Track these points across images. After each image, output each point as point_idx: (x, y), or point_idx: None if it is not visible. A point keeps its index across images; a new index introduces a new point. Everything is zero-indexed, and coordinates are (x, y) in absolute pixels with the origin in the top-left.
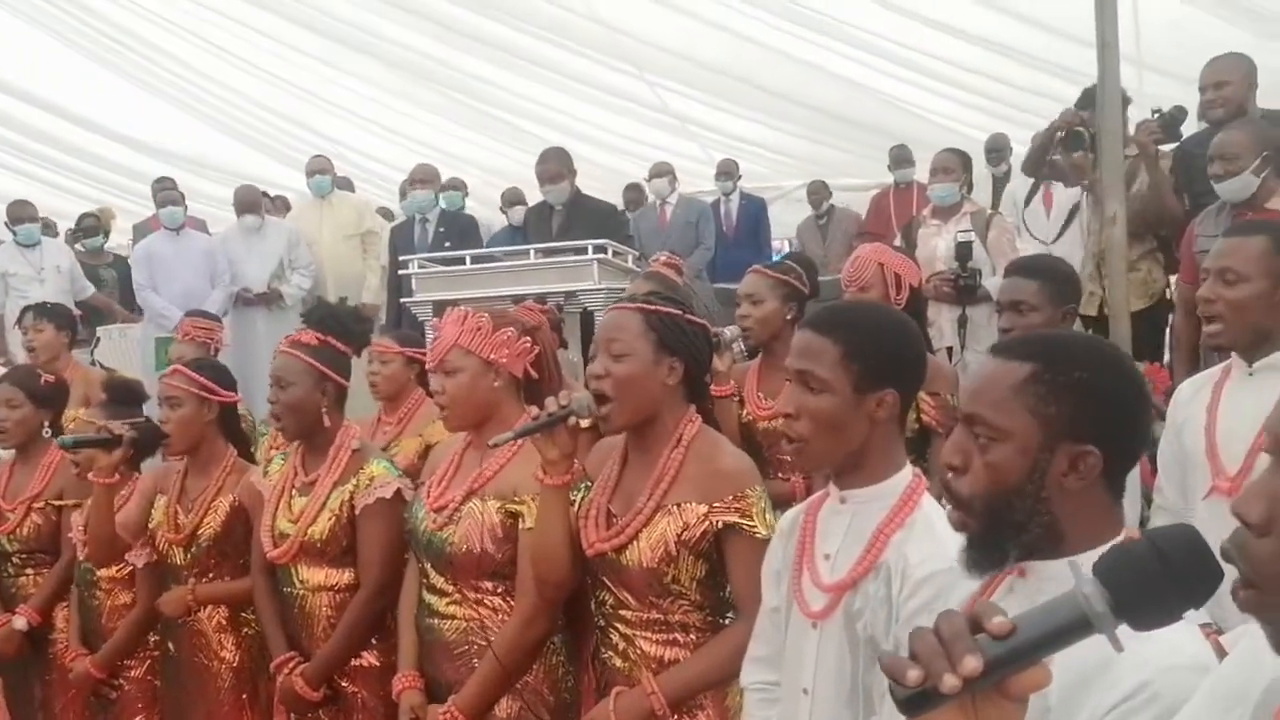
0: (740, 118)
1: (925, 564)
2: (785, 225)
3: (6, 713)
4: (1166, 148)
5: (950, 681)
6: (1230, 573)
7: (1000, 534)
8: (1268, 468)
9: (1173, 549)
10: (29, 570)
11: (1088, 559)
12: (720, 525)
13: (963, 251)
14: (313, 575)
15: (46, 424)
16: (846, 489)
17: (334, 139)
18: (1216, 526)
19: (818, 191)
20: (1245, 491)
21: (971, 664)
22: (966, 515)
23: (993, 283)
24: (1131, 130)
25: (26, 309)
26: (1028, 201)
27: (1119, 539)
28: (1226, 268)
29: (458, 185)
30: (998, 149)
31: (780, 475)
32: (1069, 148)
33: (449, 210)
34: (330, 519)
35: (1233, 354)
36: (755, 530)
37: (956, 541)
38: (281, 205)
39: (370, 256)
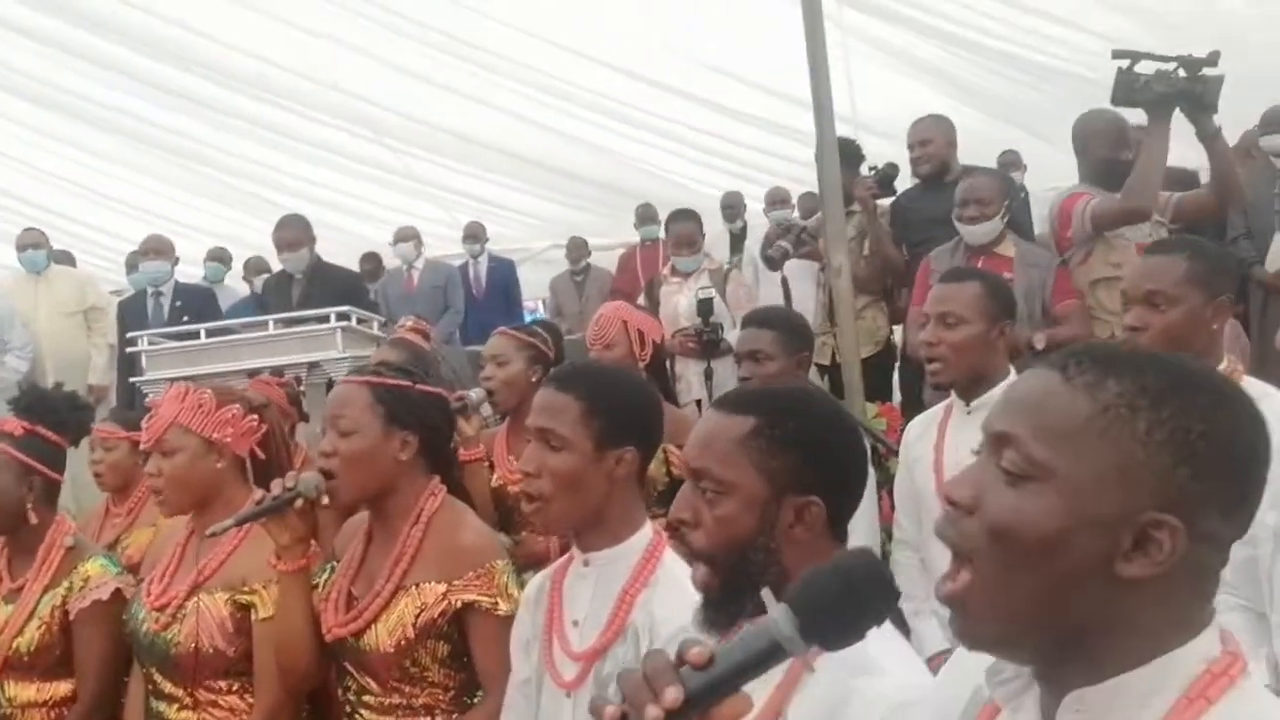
0: (485, 181)
1: (672, 619)
2: (536, 285)
3: None
4: (885, 202)
5: (652, 713)
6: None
7: (737, 588)
8: (978, 460)
9: (853, 570)
10: None
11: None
12: (459, 604)
13: (704, 308)
14: (21, 691)
15: None
16: (589, 550)
17: (51, 210)
18: (948, 557)
19: (577, 248)
20: (956, 477)
21: (672, 694)
22: (706, 572)
23: (734, 335)
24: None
25: None
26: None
27: None
28: (947, 311)
29: (222, 257)
30: (732, 205)
31: (537, 536)
32: (773, 266)
33: (184, 283)
34: (40, 628)
35: (952, 394)
36: (496, 607)
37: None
38: None
39: (95, 334)
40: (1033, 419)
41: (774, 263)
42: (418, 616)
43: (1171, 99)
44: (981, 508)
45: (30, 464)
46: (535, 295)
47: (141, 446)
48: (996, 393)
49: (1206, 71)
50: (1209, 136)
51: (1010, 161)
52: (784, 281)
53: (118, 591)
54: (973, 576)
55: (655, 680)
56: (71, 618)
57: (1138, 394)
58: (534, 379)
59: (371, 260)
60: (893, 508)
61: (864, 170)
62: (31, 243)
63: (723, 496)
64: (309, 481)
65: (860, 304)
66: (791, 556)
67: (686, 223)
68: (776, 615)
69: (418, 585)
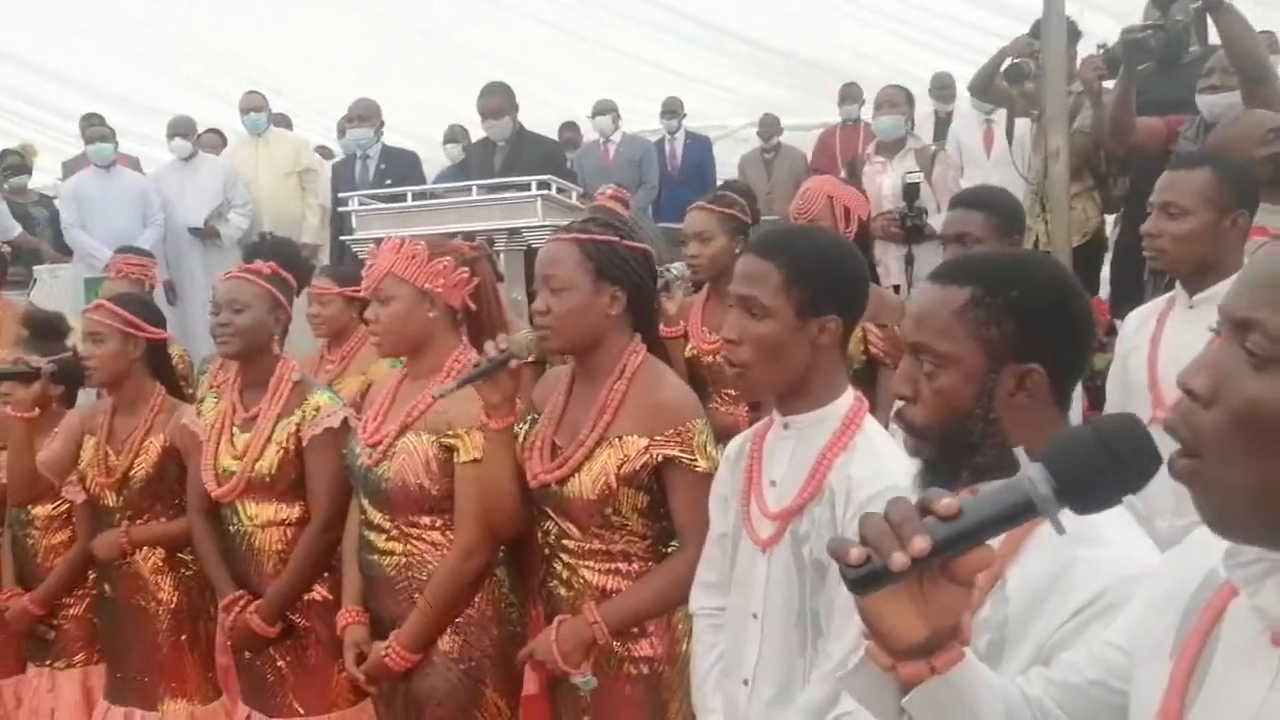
0: (685, 54)
1: (869, 484)
2: (730, 166)
3: None
4: (1110, 84)
5: (899, 559)
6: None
7: (954, 456)
8: (1216, 346)
9: (1114, 435)
10: None
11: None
12: (660, 458)
13: (910, 191)
14: (261, 511)
15: None
16: (789, 415)
17: (272, 74)
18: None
19: (768, 126)
20: (1191, 365)
21: (920, 543)
22: (921, 442)
23: (939, 220)
24: (1078, 66)
25: None
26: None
27: None
28: (1170, 201)
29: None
30: (944, 86)
31: (725, 409)
32: (1011, 79)
33: (390, 147)
34: (278, 452)
35: (1177, 285)
36: (695, 464)
37: (900, 461)
38: (217, 140)
39: (309, 195)
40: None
41: (1017, 75)
42: (620, 467)
43: None
44: (1223, 395)
45: (278, 298)
46: (727, 175)
47: (361, 293)
48: (1222, 288)
49: None
50: None
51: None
52: None
53: (345, 422)
54: (1202, 468)
55: (901, 527)
56: (304, 444)
57: None
58: (736, 250)
59: (570, 129)
60: (1091, 406)
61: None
62: (254, 106)
63: (941, 369)
64: (521, 342)
65: (1072, 191)
66: (1013, 424)
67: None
68: (1032, 474)
69: (620, 438)
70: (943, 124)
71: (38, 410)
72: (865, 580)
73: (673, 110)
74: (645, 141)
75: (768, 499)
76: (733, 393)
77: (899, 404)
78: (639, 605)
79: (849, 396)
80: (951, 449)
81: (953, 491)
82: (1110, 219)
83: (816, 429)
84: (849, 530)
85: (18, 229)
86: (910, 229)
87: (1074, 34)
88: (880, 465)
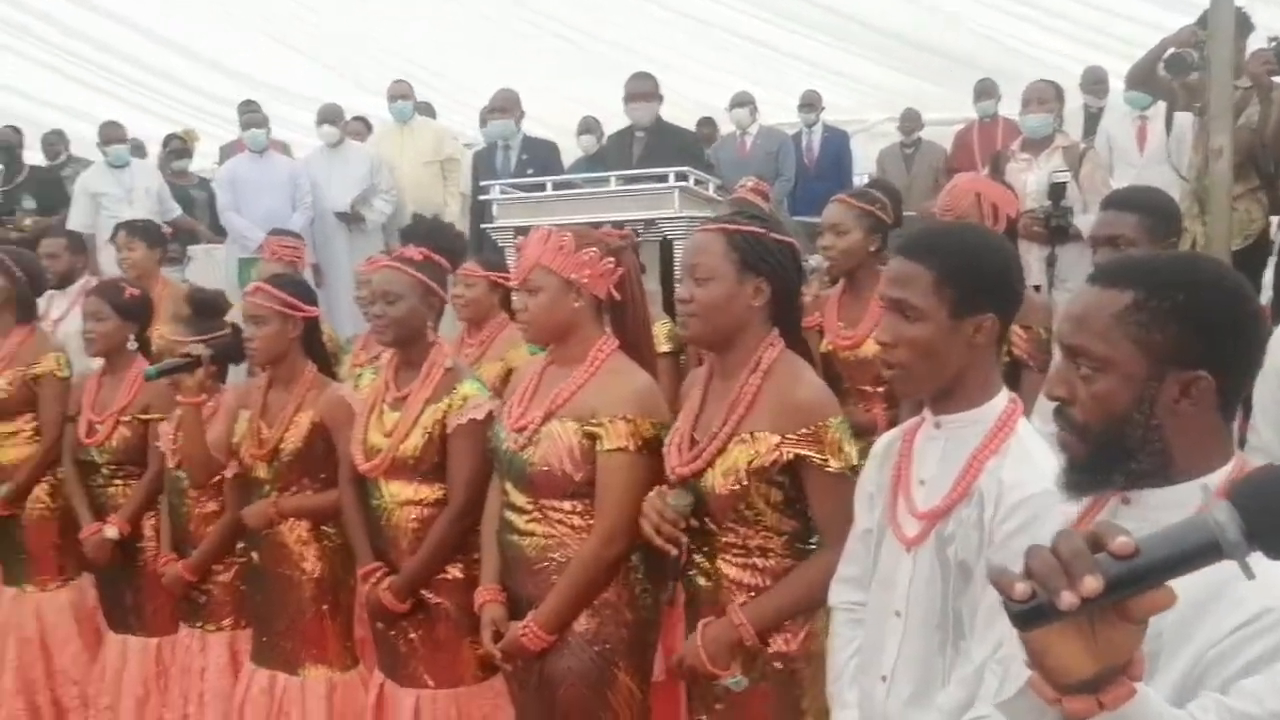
0: (825, 47)
1: (1020, 487)
2: (867, 160)
3: (103, 618)
4: None
5: (1068, 599)
6: None
7: (1109, 459)
8: None
9: None
10: (117, 481)
11: (1199, 485)
12: (791, 456)
13: (1056, 191)
14: (401, 490)
15: (132, 337)
16: (941, 414)
17: (417, 64)
18: None
19: (909, 120)
20: None
21: (1091, 584)
22: (1076, 441)
23: (1085, 220)
24: (1246, 59)
25: (119, 226)
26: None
27: (1230, 464)
28: None
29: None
30: (1097, 81)
31: (862, 405)
32: (1174, 70)
33: (531, 137)
34: (423, 435)
35: None
36: (826, 464)
37: (1052, 466)
38: (362, 128)
39: (450, 183)
40: None
41: (1180, 66)
42: (750, 463)
43: None
44: None
45: (430, 285)
46: (864, 169)
47: (509, 282)
48: None
49: None
50: None
51: None
52: None
53: (490, 413)
54: None
55: (1071, 564)
56: (449, 431)
57: None
58: (872, 248)
59: (707, 124)
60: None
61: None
62: (400, 94)
63: (1099, 373)
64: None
65: (1235, 191)
66: (1175, 431)
67: (1045, 84)
68: (1220, 516)
69: (752, 434)
70: (1093, 120)
71: (204, 396)
72: (1030, 616)
73: (811, 104)
74: (783, 134)
75: (915, 498)
76: (869, 388)
77: (1056, 403)
78: (782, 604)
79: (1003, 398)
80: (1106, 453)
81: (1101, 497)
82: (1276, 221)
83: (968, 430)
84: (997, 534)
85: (177, 210)
86: (1054, 229)
87: (1244, 26)
88: (1033, 470)
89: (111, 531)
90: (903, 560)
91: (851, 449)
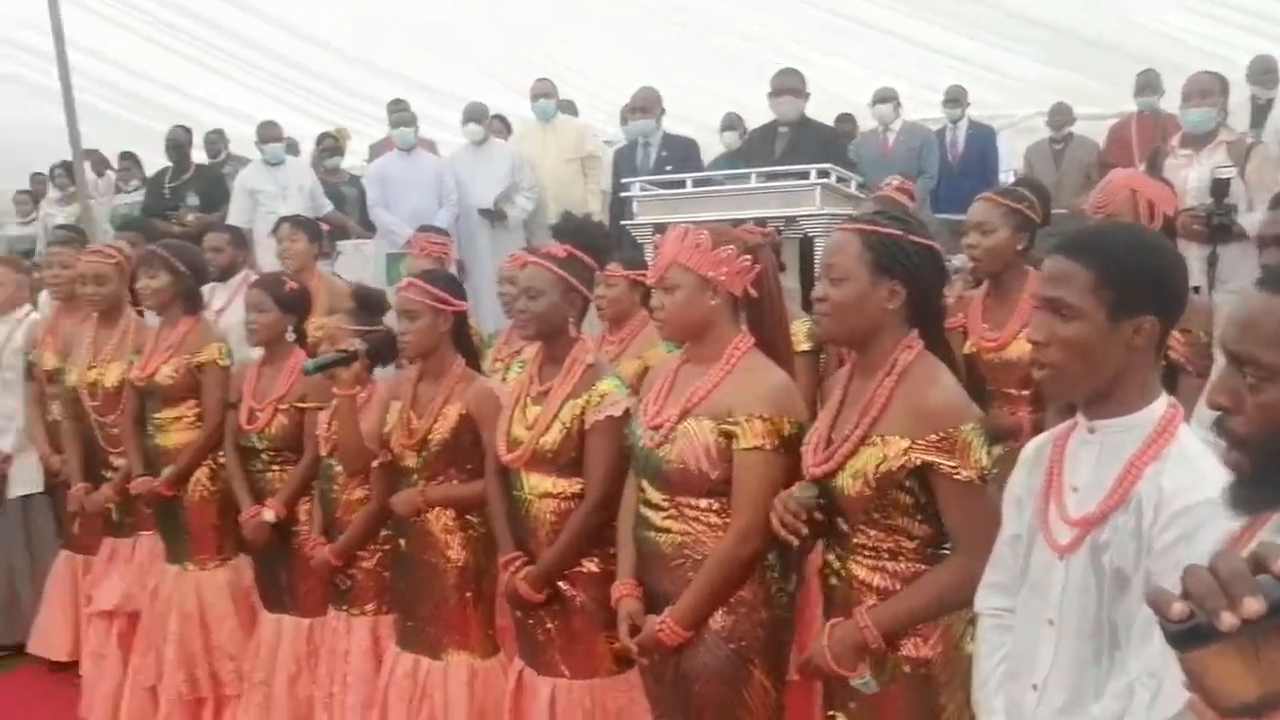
0: (971, 40)
1: (1182, 496)
2: (1014, 156)
3: (258, 597)
4: None
5: (1228, 620)
6: None
7: (1275, 473)
8: None
9: None
10: (275, 466)
11: None
12: (919, 462)
13: (1220, 188)
14: (540, 482)
15: (291, 329)
16: (1096, 419)
17: (561, 63)
18: None
19: (1060, 114)
20: None
21: (1252, 605)
22: (1241, 455)
23: (1251, 218)
24: None
25: (282, 219)
26: None
27: None
28: None
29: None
30: (1266, 70)
31: (1007, 409)
32: None
33: (671, 134)
34: (561, 431)
35: None
36: (956, 472)
37: (1218, 475)
38: (501, 126)
39: (590, 180)
40: None
41: None
42: (878, 467)
43: None
44: None
45: (572, 283)
46: (1010, 166)
47: (648, 282)
48: None
49: None
50: None
51: None
52: None
53: (627, 410)
54: None
55: (1231, 585)
56: (587, 427)
57: None
58: (1019, 247)
59: (846, 121)
60: None
61: None
62: (543, 92)
63: (1268, 382)
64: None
65: None
66: None
67: (1209, 76)
68: None
69: (883, 437)
70: (1260, 112)
71: (358, 388)
72: (1187, 637)
73: (956, 99)
74: (926, 130)
75: (1068, 504)
76: (1014, 391)
77: (1218, 414)
78: (910, 609)
79: (1162, 403)
80: (1273, 466)
81: (1266, 513)
82: None
83: (1125, 435)
84: (1156, 543)
85: (329, 206)
86: (1216, 228)
87: None
88: (1195, 478)
89: (269, 514)
90: (1055, 567)
91: (985, 456)
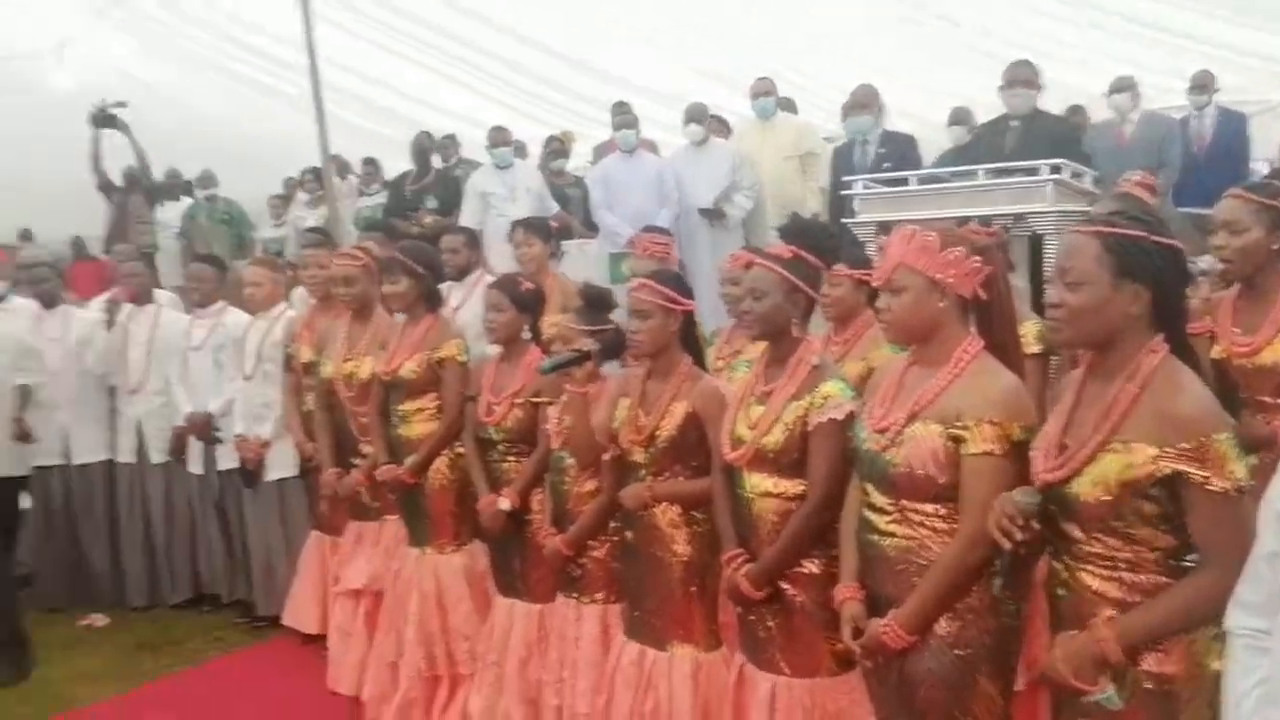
0: (1219, 21)
1: None
2: (1268, 145)
3: (493, 582)
4: None
5: None
6: None
7: None
8: None
9: None
10: (511, 457)
11: None
12: (1169, 471)
13: None
14: (762, 482)
15: (526, 327)
16: None
17: (781, 60)
18: None
19: None
20: None
21: None
22: None
23: None
24: None
25: (517, 224)
26: None
27: None
28: None
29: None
30: None
31: (1262, 417)
32: None
33: (889, 131)
34: (784, 432)
35: None
36: (1208, 482)
37: None
38: (723, 127)
39: (809, 178)
40: None
41: None
42: (1122, 474)
43: None
44: None
45: (796, 284)
46: (1263, 155)
47: (874, 284)
48: None
49: None
50: None
51: None
52: None
53: (850, 413)
54: None
55: None
56: (809, 429)
57: None
58: (1274, 246)
59: (1077, 113)
60: None
61: None
62: (763, 90)
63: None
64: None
65: None
66: None
67: None
68: None
69: (1126, 443)
70: None
71: (591, 385)
72: None
73: (1203, 85)
74: (1168, 119)
75: None
76: (1268, 399)
77: None
78: (1152, 623)
79: None
80: None
81: None
82: None
83: None
84: None
85: (555, 207)
86: None
87: None
88: None
89: (505, 503)
90: None
91: (1240, 467)
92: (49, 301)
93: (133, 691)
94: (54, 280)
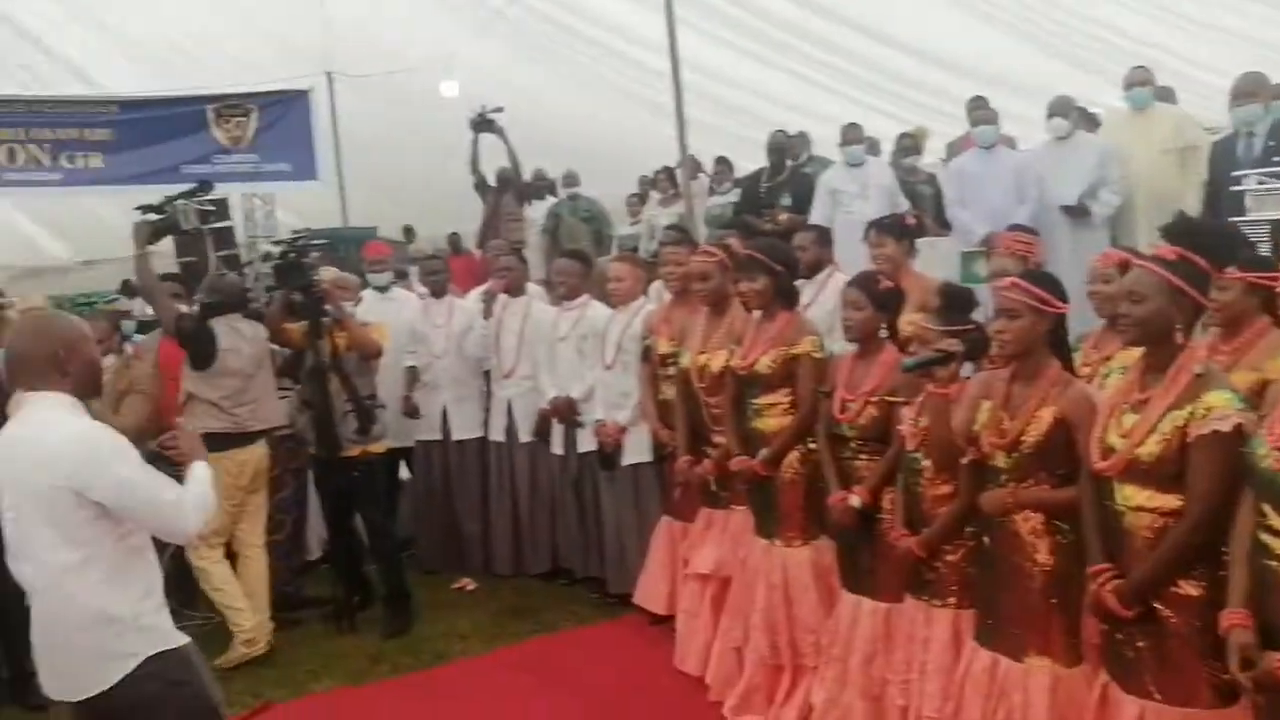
0: None
1: None
2: None
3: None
4: None
5: None
6: None
7: None
8: None
9: None
10: (863, 455)
11: None
12: None
13: None
14: (1135, 494)
15: (884, 325)
16: None
17: (1155, 46)
18: None
19: None
20: None
21: None
22: None
23: None
24: None
25: (870, 225)
26: None
27: None
28: None
29: None
30: None
31: None
32: None
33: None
34: (1160, 442)
35: None
36: None
37: None
38: (1090, 122)
39: (1189, 172)
40: None
41: None
42: None
43: None
44: None
45: (1181, 287)
46: None
47: (1276, 286)
48: None
49: None
50: None
51: None
52: None
53: (1238, 426)
54: None
55: None
56: (1190, 440)
57: None
58: None
59: None
60: None
61: None
62: (1139, 80)
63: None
64: None
65: None
66: None
67: None
68: None
69: None
70: None
71: (953, 387)
72: None
73: None
74: None
75: None
76: None
77: None
78: None
79: None
80: None
81: None
82: None
83: None
84: None
85: (905, 205)
86: None
87: None
88: None
89: (856, 500)
90: None
91: None
92: (438, 291)
93: (497, 651)
94: (444, 272)
